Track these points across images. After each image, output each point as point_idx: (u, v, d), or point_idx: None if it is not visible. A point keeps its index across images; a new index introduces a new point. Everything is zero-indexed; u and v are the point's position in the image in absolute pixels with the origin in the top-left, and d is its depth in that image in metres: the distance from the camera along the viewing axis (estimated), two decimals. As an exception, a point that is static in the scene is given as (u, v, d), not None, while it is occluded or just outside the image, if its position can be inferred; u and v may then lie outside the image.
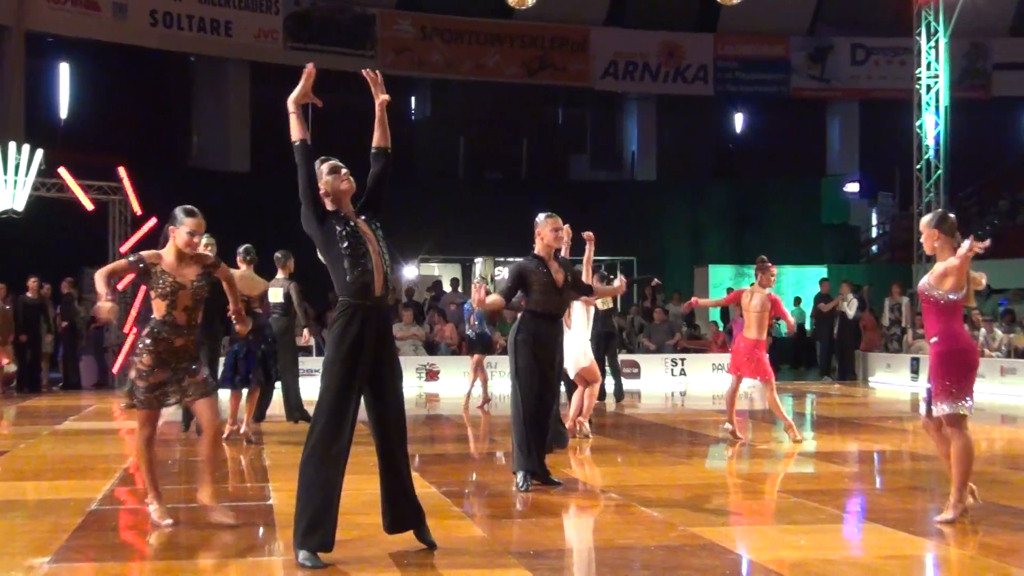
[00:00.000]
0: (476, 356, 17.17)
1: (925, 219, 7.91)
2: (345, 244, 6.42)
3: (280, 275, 13.40)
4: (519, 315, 9.54)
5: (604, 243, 14.65)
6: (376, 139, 7.02)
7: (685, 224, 33.60)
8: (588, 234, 10.77)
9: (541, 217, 9.40)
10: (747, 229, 32.99)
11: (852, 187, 35.25)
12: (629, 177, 35.96)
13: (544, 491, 9.19)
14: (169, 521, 7.47)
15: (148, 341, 7.44)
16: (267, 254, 13.12)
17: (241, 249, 12.53)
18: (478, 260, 31.60)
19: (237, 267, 12.26)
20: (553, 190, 32.49)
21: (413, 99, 35.95)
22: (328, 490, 6.37)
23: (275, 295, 13.23)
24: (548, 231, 9.28)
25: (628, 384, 19.75)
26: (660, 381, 23.47)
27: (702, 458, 11.88)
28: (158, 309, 7.46)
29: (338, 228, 6.47)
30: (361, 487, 7.67)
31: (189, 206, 7.61)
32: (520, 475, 9.04)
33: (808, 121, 36.89)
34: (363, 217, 6.68)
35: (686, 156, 35.96)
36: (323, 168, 6.70)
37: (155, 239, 23.24)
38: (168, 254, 7.51)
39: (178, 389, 7.53)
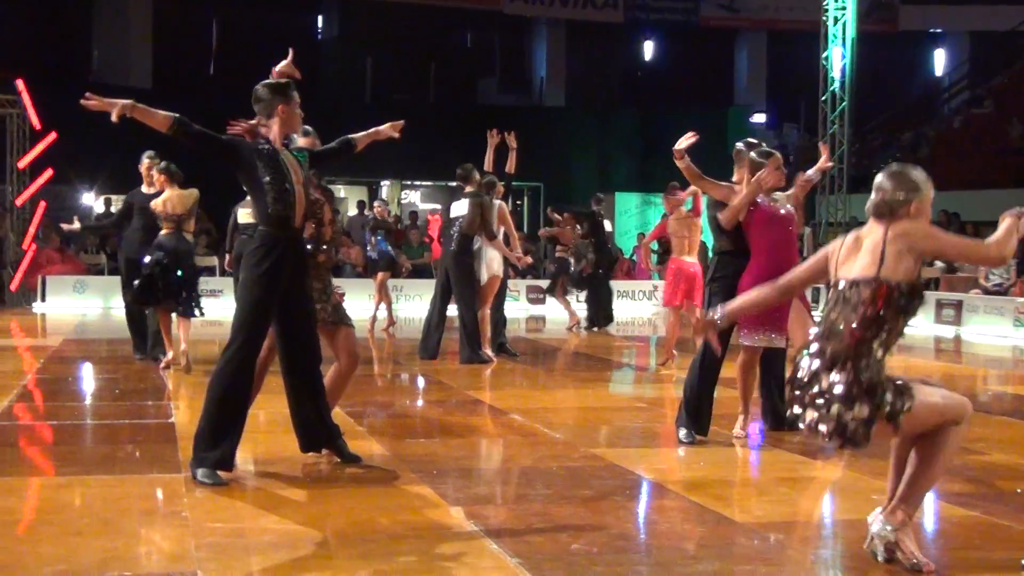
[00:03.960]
0: (379, 275, 17.07)
1: (779, 156, 8.02)
2: (267, 177, 6.35)
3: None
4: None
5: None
6: (359, 137, 7.28)
7: (593, 151, 33.60)
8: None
9: (756, 155, 8.03)
10: (654, 157, 33.00)
11: (759, 118, 35.51)
12: (538, 102, 35.85)
13: (450, 412, 9.27)
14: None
15: None
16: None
17: (162, 165, 11.47)
18: (385, 183, 31.43)
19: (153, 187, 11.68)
20: (461, 114, 32.31)
21: (320, 18, 35.45)
22: (236, 406, 6.39)
23: (246, 216, 12.05)
24: (772, 169, 7.90)
25: (534, 310, 19.87)
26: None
27: (605, 382, 12.00)
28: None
29: (260, 159, 6.38)
30: (263, 405, 7.65)
31: (305, 126, 7.06)
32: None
33: (716, 51, 37.02)
34: (290, 149, 6.63)
35: (595, 82, 35.90)
36: (278, 93, 6.49)
37: (55, 153, 22.77)
38: None
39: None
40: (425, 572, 4.79)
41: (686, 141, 8.01)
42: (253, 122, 6.56)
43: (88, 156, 24.22)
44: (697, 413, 7.92)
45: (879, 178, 4.93)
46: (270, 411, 7.87)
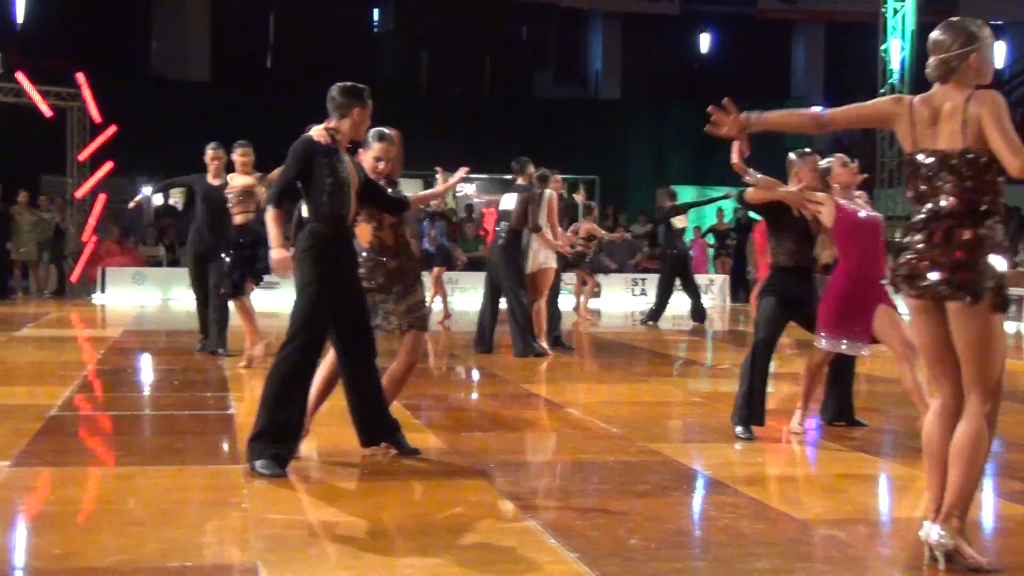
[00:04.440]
0: (436, 270, 17.14)
1: (843, 156, 7.93)
2: (329, 179, 6.44)
3: None
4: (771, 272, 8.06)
5: (567, 162, 14.67)
6: (414, 197, 7.54)
7: (649, 144, 33.50)
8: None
9: (793, 156, 7.92)
10: (710, 150, 32.77)
11: (817, 111, 35.21)
12: (593, 95, 35.77)
13: (506, 406, 9.28)
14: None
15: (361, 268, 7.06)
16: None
17: (239, 147, 11.31)
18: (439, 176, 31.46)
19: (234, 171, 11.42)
20: (516, 107, 32.34)
21: (376, 11, 35.55)
22: (293, 404, 6.43)
23: None
24: (807, 171, 7.82)
25: (589, 303, 19.79)
26: (621, 300, 23.58)
27: (661, 377, 11.94)
28: (364, 234, 7.11)
29: (325, 163, 6.45)
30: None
31: (381, 129, 7.08)
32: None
33: (774, 43, 36.76)
34: (350, 156, 6.71)
35: (651, 75, 35.78)
36: (355, 96, 6.58)
37: (114, 146, 23.01)
38: None
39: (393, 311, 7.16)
40: (482, 565, 4.79)
41: (736, 154, 7.81)
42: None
43: (147, 149, 24.49)
44: (752, 407, 7.86)
45: (934, 34, 4.81)
46: (328, 404, 7.89)
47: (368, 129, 6.82)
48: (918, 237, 4.74)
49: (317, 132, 6.54)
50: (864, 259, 7.52)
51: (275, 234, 6.49)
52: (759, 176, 7.79)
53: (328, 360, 6.93)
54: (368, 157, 7.05)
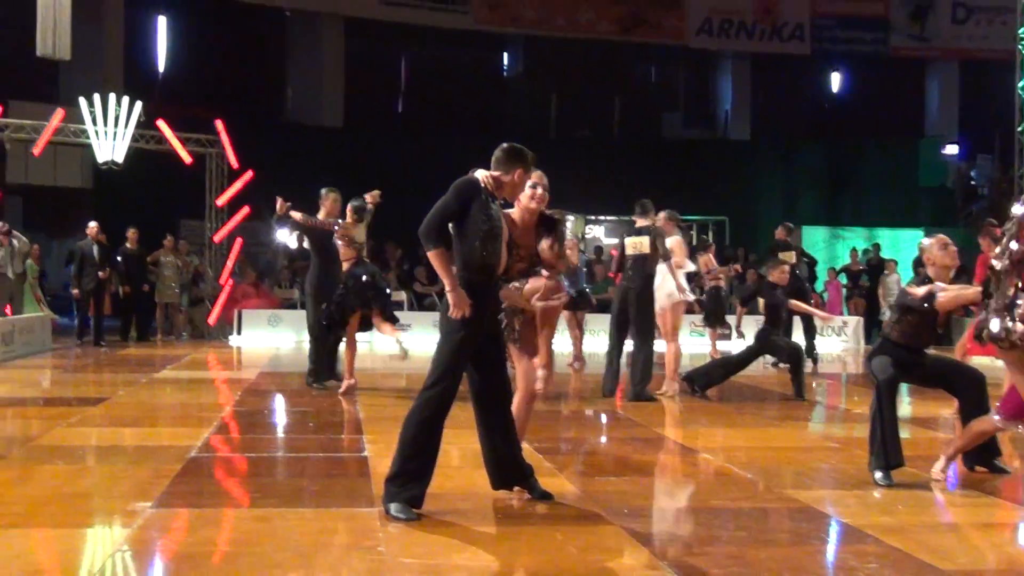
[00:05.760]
0: (574, 314, 17.09)
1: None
2: (486, 227, 6.48)
3: None
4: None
5: (696, 202, 14.62)
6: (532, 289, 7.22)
7: (779, 184, 33.19)
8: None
9: (926, 242, 8.15)
10: (842, 190, 32.55)
11: (951, 149, 34.60)
12: (722, 136, 35.59)
13: (639, 450, 9.22)
14: None
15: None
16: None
17: (352, 206, 12.28)
18: (569, 218, 31.50)
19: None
20: (645, 148, 32.29)
21: (506, 55, 35.87)
22: (430, 448, 6.48)
23: None
24: (937, 251, 8.03)
25: (720, 345, 19.57)
26: (750, 342, 23.24)
27: (794, 420, 11.75)
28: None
29: (482, 210, 6.49)
30: (454, 441, 7.70)
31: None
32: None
33: (907, 81, 36.22)
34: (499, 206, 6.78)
35: (781, 115, 35.49)
36: (519, 159, 6.72)
37: (251, 191, 23.48)
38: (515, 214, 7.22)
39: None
40: (619, 614, 4.75)
41: None
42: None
43: (283, 194, 24.91)
44: (888, 450, 7.70)
45: None
46: (461, 447, 7.93)
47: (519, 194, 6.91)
48: None
49: (482, 176, 6.59)
50: None
51: (450, 277, 6.39)
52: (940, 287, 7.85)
53: None
54: (525, 189, 6.99)
